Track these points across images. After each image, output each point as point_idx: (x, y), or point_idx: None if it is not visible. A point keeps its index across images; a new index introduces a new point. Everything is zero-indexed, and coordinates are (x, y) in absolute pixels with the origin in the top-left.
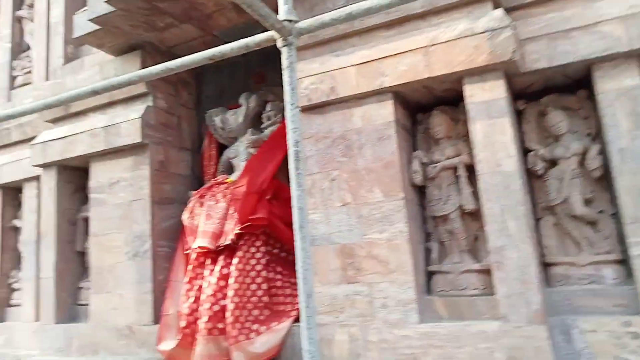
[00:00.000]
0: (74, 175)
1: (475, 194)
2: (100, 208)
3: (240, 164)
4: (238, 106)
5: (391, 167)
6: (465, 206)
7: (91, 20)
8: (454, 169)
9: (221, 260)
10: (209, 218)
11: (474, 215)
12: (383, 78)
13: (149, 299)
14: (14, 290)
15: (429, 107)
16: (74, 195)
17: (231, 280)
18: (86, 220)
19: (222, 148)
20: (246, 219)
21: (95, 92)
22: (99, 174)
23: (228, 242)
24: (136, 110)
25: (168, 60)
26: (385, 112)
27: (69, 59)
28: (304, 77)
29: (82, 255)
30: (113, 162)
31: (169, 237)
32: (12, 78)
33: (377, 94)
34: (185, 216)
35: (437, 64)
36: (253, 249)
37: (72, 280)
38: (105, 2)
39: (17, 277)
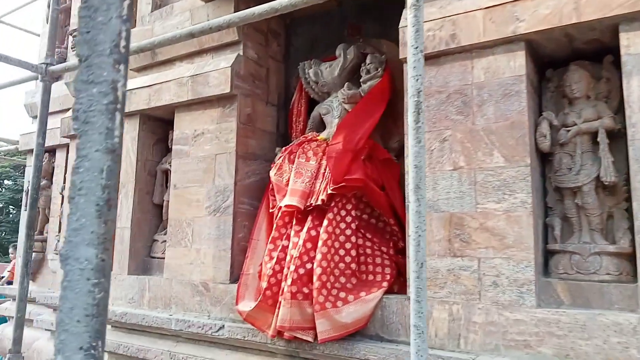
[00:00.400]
0: (157, 126)
1: (615, 164)
2: (183, 160)
3: (333, 121)
4: (333, 59)
5: (518, 128)
6: (604, 178)
7: None
8: (592, 134)
9: (309, 222)
10: (298, 176)
11: (611, 189)
12: (518, 24)
13: (227, 256)
14: None
15: (560, 62)
16: (156, 147)
17: (320, 244)
18: (165, 172)
19: (311, 105)
20: (341, 178)
21: (191, 35)
22: (183, 124)
23: (319, 202)
24: (225, 60)
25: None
26: (516, 64)
27: (157, 5)
28: None
29: (159, 207)
30: (199, 113)
31: (251, 194)
32: None
33: (506, 43)
34: (272, 172)
35: (588, 7)
36: (343, 212)
37: (148, 231)
38: None
39: None
